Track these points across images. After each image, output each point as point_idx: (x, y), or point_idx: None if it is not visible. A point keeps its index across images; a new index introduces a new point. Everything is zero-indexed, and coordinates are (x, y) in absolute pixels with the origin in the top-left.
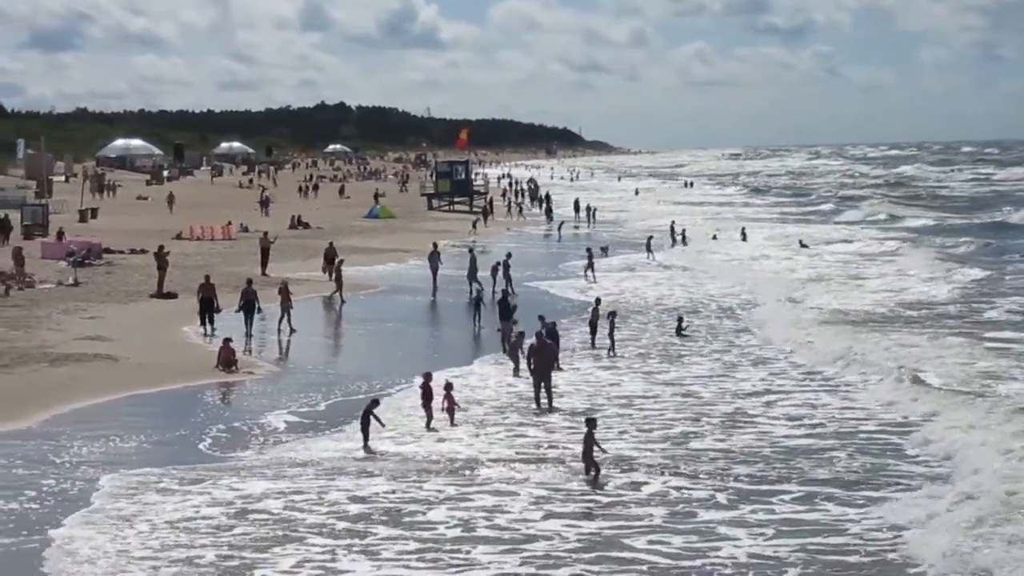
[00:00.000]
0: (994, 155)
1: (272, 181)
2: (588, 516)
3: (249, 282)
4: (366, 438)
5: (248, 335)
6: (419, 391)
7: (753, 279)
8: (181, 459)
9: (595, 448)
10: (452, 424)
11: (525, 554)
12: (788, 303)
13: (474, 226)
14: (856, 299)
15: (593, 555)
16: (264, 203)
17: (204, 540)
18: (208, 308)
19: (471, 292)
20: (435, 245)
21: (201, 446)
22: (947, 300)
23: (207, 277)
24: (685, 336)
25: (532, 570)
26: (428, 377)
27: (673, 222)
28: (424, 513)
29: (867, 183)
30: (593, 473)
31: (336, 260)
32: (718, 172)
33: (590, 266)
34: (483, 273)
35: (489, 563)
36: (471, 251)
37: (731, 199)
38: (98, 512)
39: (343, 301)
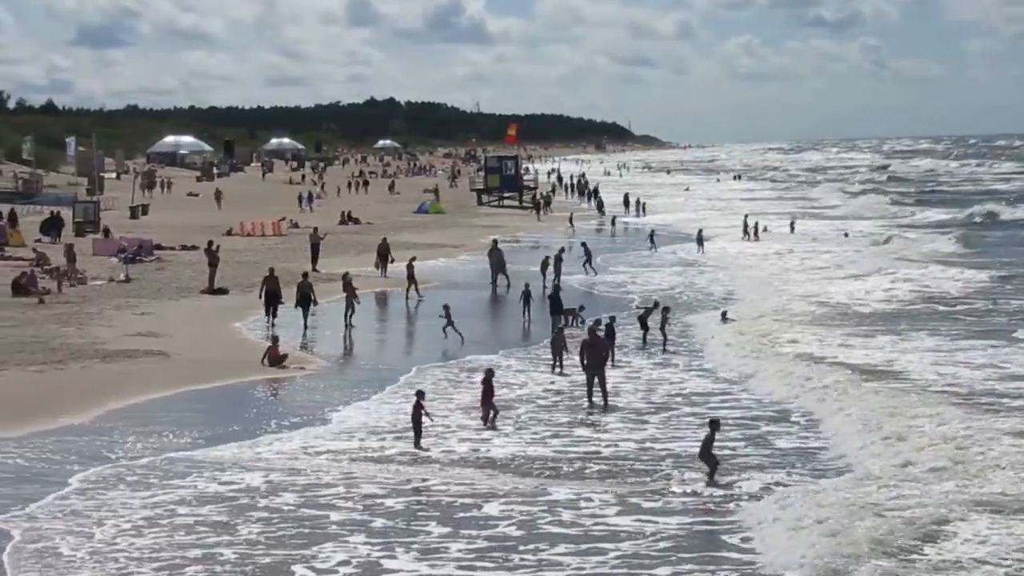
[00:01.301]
0: None
1: (318, 176)
2: (667, 513)
3: (304, 275)
4: (417, 434)
5: (304, 328)
6: (480, 387)
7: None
8: (234, 455)
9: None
10: (486, 419)
11: (611, 555)
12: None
13: (570, 222)
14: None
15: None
16: (308, 198)
17: (248, 532)
18: (273, 300)
19: (494, 285)
20: (495, 242)
21: (252, 441)
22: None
23: (271, 270)
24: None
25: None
26: (489, 374)
27: (747, 216)
28: (479, 508)
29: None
30: (709, 471)
31: (409, 258)
32: (766, 165)
33: (588, 260)
34: (517, 267)
35: (567, 563)
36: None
37: (775, 191)
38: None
39: (420, 298)
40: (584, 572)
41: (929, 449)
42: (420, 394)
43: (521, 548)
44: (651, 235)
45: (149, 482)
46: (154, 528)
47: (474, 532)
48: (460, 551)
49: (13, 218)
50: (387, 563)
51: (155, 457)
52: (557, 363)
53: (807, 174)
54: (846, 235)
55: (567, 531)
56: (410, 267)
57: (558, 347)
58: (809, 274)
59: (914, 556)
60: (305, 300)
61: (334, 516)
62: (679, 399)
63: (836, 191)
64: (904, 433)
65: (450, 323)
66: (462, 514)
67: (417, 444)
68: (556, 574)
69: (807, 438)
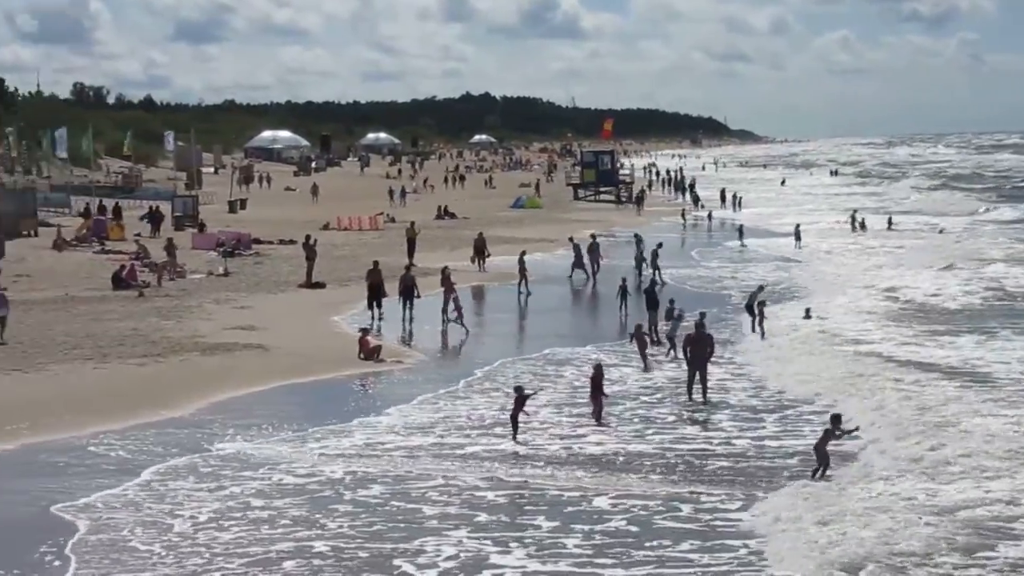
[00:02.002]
0: None
1: (413, 171)
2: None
3: (407, 268)
4: (515, 430)
5: (405, 320)
6: (588, 382)
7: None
8: (320, 447)
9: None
10: (597, 415)
11: (740, 551)
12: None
13: (683, 215)
14: None
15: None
16: (401, 193)
17: (338, 525)
18: (377, 294)
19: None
20: (593, 236)
21: (351, 433)
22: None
23: (375, 263)
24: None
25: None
26: (598, 369)
27: (855, 211)
28: (588, 503)
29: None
30: (821, 469)
31: (520, 252)
32: (859, 160)
33: (643, 260)
34: (614, 262)
35: (694, 559)
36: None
37: (867, 187)
38: None
39: (529, 293)
40: (715, 570)
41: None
42: (519, 389)
43: (641, 544)
44: (740, 229)
45: (231, 474)
46: (239, 521)
47: (586, 527)
48: (575, 546)
49: (118, 212)
50: (497, 558)
51: (246, 449)
52: (647, 358)
53: (893, 169)
54: (940, 231)
55: (687, 526)
56: (521, 261)
57: (641, 342)
58: (901, 271)
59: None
60: (408, 292)
61: (428, 510)
62: (779, 396)
63: (914, 187)
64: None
65: (459, 316)
66: (571, 508)
67: (514, 439)
68: (682, 571)
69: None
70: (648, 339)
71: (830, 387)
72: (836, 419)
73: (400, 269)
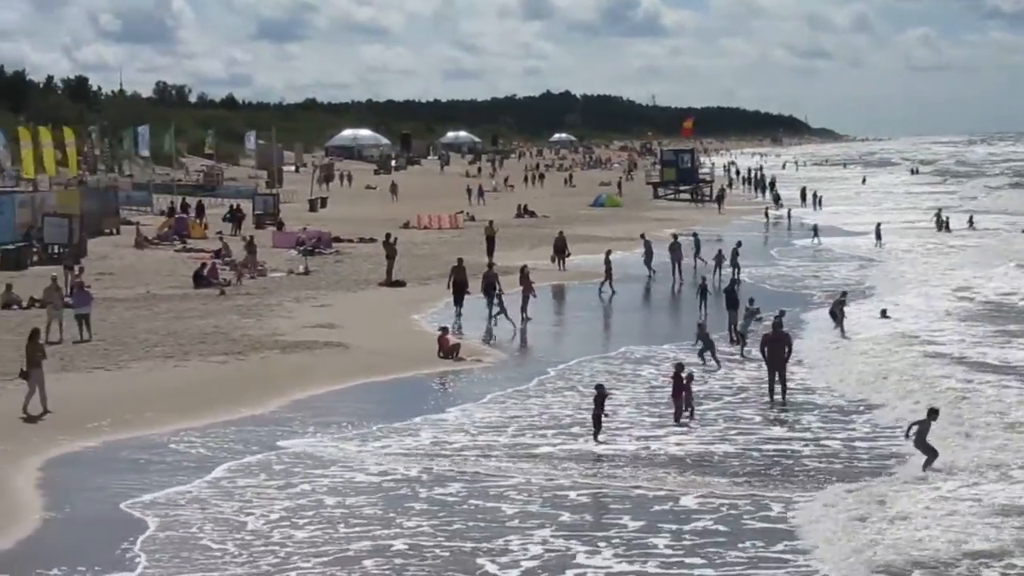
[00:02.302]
0: None
1: (492, 170)
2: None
3: (490, 266)
4: (597, 429)
5: (489, 318)
6: (671, 382)
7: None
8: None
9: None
10: (678, 416)
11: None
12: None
13: (766, 214)
14: None
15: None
16: (478, 192)
17: (416, 523)
18: (461, 290)
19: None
20: (675, 236)
21: (431, 432)
22: None
23: (460, 260)
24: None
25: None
26: (679, 368)
27: (939, 210)
28: (675, 502)
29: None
30: (928, 460)
31: (606, 251)
32: (939, 159)
33: (723, 259)
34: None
35: (789, 560)
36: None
37: (950, 185)
38: None
39: (613, 292)
40: (808, 570)
41: None
42: (600, 387)
43: (733, 544)
44: (814, 228)
45: (305, 472)
46: (314, 520)
47: (674, 527)
48: (665, 546)
49: (201, 210)
50: (583, 558)
51: (321, 445)
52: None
53: (971, 168)
54: (1023, 230)
55: (778, 526)
56: (607, 261)
57: (707, 342)
58: (979, 269)
59: None
60: (490, 289)
61: (508, 508)
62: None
63: (987, 186)
64: None
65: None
66: (657, 508)
67: (596, 438)
68: (776, 571)
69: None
70: (729, 338)
71: (898, 387)
72: (934, 412)
73: (481, 267)
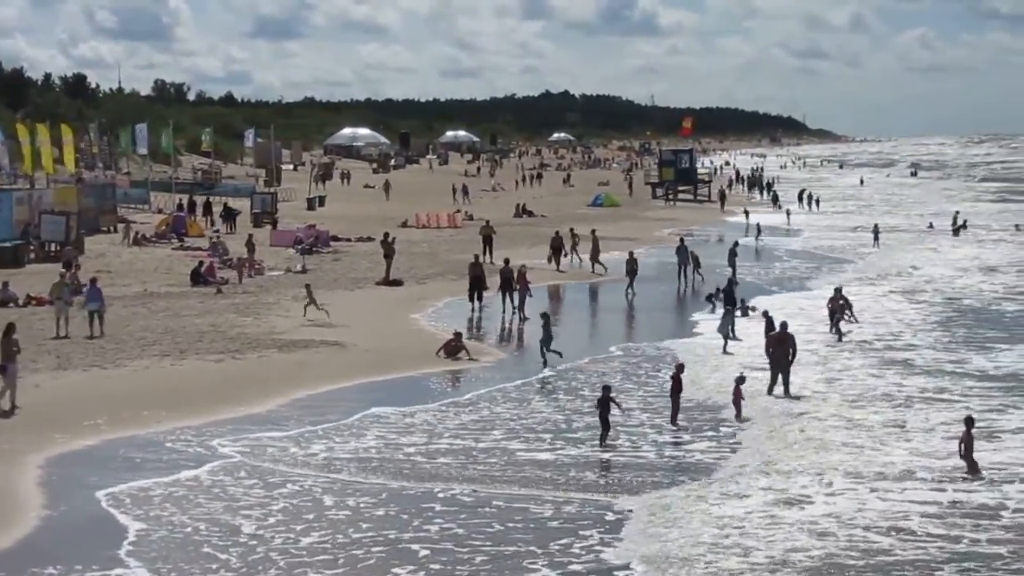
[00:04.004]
0: None
1: (491, 169)
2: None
3: (506, 262)
4: (606, 428)
5: (504, 312)
6: (669, 381)
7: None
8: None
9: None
10: (674, 417)
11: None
12: None
13: (746, 215)
14: None
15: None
16: (464, 191)
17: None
18: (478, 286)
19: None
20: (682, 240)
21: (432, 430)
22: None
23: (476, 257)
24: None
25: None
26: (680, 369)
27: (957, 212)
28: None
29: None
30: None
31: (629, 252)
32: (936, 160)
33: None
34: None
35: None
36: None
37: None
38: None
39: (634, 293)
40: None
41: None
42: (607, 388)
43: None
44: (757, 226)
45: (309, 472)
46: (318, 522)
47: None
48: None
49: (208, 208)
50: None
51: (319, 445)
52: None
53: (968, 169)
54: (1017, 227)
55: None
56: (629, 261)
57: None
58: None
59: None
60: (507, 285)
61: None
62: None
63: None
64: None
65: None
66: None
67: (603, 441)
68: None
69: None
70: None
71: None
72: (969, 421)
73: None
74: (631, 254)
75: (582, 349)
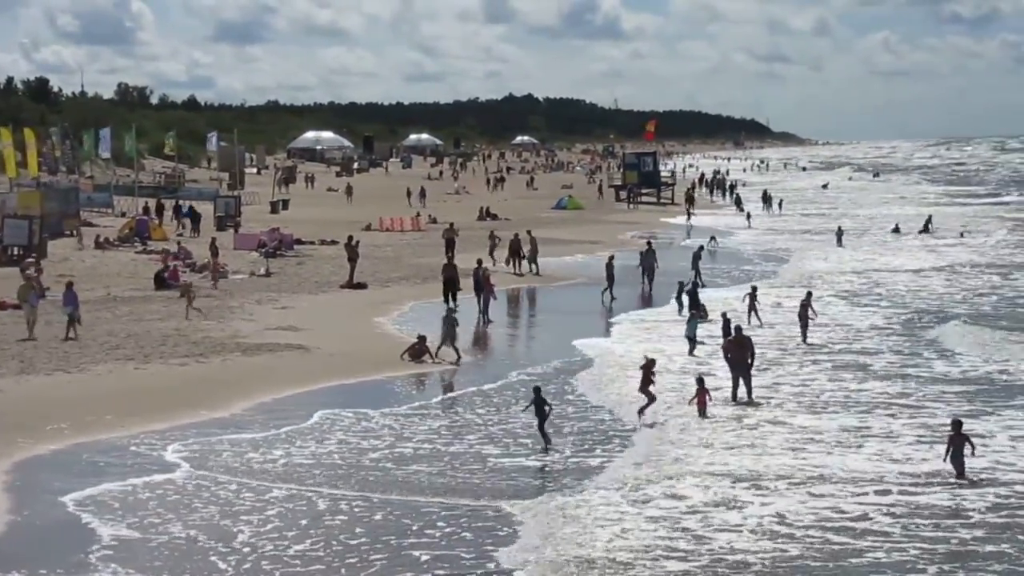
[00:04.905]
0: None
1: (453, 173)
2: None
3: (479, 262)
4: (543, 422)
5: (480, 312)
6: (639, 374)
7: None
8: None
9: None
10: (642, 410)
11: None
12: None
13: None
14: None
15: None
16: (421, 194)
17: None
18: (452, 287)
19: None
20: (649, 244)
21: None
22: None
23: (450, 258)
24: None
25: None
26: (651, 363)
27: (930, 215)
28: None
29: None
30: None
31: (609, 257)
32: (895, 163)
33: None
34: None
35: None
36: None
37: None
38: None
39: (613, 298)
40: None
41: None
42: (537, 390)
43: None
44: (712, 238)
45: (267, 481)
46: (306, 528)
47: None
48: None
49: (177, 211)
50: None
51: (284, 451)
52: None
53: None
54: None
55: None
56: (609, 266)
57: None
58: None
59: None
60: (479, 287)
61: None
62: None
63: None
64: None
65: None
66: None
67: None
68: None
69: None
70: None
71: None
72: (957, 424)
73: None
74: (610, 259)
75: (548, 351)
